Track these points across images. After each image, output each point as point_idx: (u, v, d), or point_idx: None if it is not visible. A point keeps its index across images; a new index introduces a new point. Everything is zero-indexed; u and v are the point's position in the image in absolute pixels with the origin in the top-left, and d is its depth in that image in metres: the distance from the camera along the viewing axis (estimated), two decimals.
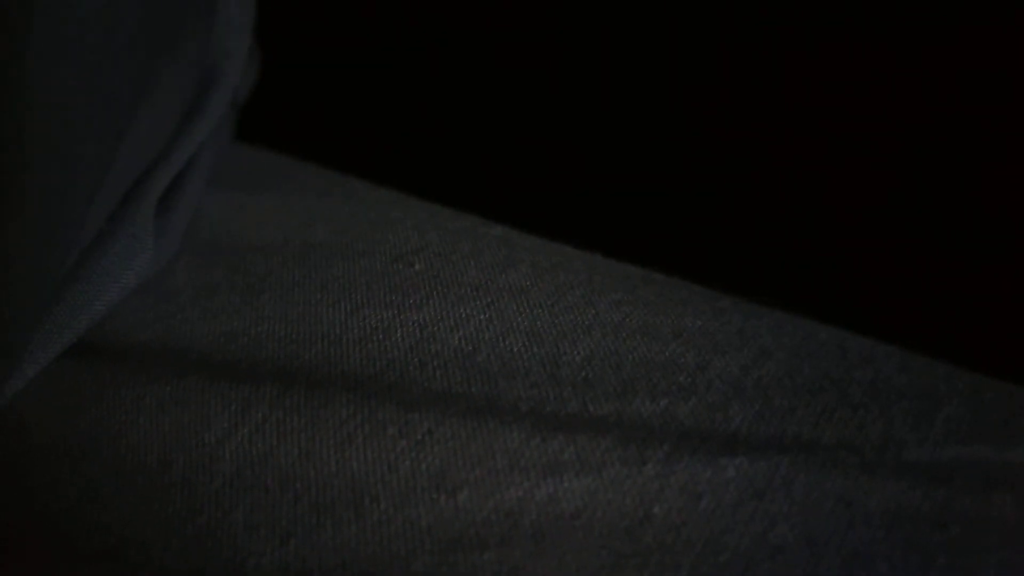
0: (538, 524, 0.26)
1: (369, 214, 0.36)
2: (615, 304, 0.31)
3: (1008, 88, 0.41)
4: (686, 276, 0.34)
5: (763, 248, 0.45)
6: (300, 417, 0.28)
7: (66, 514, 0.29)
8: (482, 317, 0.31)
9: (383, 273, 0.33)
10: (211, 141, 0.37)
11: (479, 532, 0.26)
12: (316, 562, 0.26)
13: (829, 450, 0.27)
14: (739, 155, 0.45)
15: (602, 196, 0.47)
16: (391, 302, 0.31)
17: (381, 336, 0.30)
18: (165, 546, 0.27)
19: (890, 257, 0.43)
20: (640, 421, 0.27)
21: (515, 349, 0.30)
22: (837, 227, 0.44)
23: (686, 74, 0.46)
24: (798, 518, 0.26)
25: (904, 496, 0.26)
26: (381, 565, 0.26)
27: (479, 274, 0.32)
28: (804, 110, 0.44)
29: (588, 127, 0.47)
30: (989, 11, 0.41)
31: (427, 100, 0.50)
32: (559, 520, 0.26)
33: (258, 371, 0.30)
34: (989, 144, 0.42)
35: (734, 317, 0.31)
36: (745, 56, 0.44)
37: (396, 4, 0.49)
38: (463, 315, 0.31)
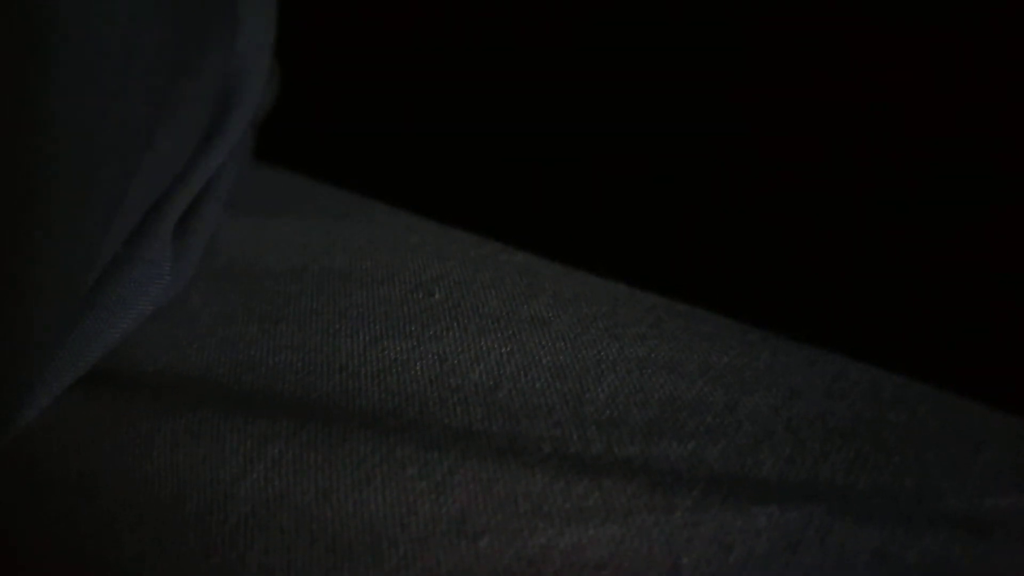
0: (561, 574, 0.25)
1: (388, 240, 0.35)
2: (640, 338, 0.30)
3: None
4: (712, 303, 0.33)
5: (786, 274, 0.44)
6: (317, 454, 0.28)
7: (79, 549, 0.28)
8: (503, 350, 0.30)
9: (402, 302, 0.32)
10: (230, 163, 0.36)
11: None
12: None
13: (864, 499, 0.26)
14: (767, 181, 0.44)
15: (623, 219, 0.46)
16: (410, 333, 0.31)
17: (400, 369, 0.30)
18: None
19: (918, 288, 0.42)
20: (667, 465, 0.27)
21: (537, 385, 0.29)
22: (864, 256, 0.43)
23: (715, 95, 0.45)
24: (833, 572, 0.25)
25: (942, 550, 0.25)
26: None
27: (500, 304, 0.32)
28: (837, 130, 0.43)
29: (611, 152, 0.47)
30: (987, 17, 0.40)
31: (448, 122, 0.49)
32: (583, 570, 0.25)
33: (274, 404, 0.29)
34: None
35: (763, 353, 0.30)
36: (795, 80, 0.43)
37: (418, 24, 0.49)
38: (484, 348, 0.30)
